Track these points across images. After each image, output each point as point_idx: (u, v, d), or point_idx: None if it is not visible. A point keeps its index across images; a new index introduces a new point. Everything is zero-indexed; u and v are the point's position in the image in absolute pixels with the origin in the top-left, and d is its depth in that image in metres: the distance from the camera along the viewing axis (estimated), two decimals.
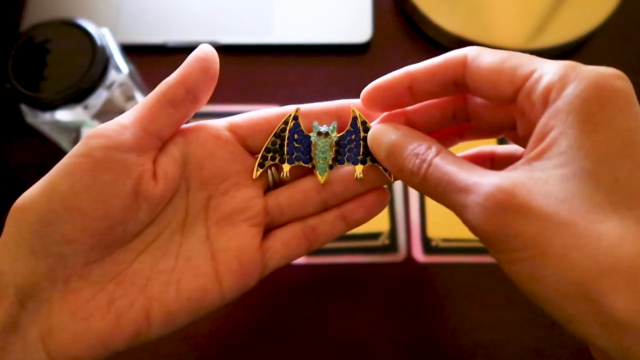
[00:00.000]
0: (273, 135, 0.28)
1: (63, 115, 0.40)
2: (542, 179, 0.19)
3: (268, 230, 0.28)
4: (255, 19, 0.53)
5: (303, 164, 0.28)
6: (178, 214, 0.27)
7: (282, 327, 0.43)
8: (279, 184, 0.28)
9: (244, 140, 0.28)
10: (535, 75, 0.21)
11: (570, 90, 0.19)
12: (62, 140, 0.46)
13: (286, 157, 0.28)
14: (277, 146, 0.28)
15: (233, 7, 0.54)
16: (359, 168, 0.28)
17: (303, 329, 0.43)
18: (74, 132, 0.47)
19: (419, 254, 0.44)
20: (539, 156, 0.20)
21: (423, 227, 0.45)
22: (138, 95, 0.46)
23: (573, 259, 0.18)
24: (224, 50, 0.53)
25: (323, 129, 0.28)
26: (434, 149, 0.23)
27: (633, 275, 0.17)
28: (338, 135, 0.28)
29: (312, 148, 0.28)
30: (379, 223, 0.45)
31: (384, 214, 0.45)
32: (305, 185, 0.28)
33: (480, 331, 0.42)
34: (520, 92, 0.21)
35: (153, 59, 0.52)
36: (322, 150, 0.27)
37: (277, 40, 0.52)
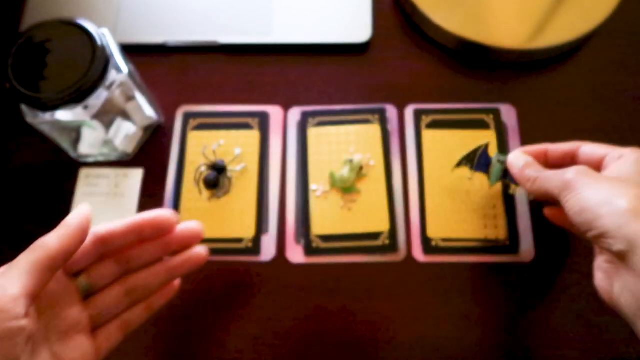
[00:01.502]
0: None
1: (63, 115, 0.40)
2: None
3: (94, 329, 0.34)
4: (255, 19, 0.53)
5: None
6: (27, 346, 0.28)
7: (282, 327, 0.43)
8: (90, 292, 0.34)
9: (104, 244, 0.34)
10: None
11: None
12: (62, 140, 0.46)
13: None
14: None
15: (233, 7, 0.54)
16: (514, 186, 0.44)
17: (303, 329, 0.43)
18: (74, 132, 0.47)
19: (419, 254, 0.44)
20: None
21: (423, 227, 0.45)
22: (138, 95, 0.46)
23: None
24: (224, 50, 0.53)
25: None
26: (536, 171, 0.37)
27: None
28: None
29: None
30: (379, 223, 0.45)
31: (384, 214, 0.45)
32: (115, 290, 0.34)
33: (480, 331, 0.42)
34: None
35: (153, 59, 0.53)
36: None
37: (277, 40, 0.52)
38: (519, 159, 0.39)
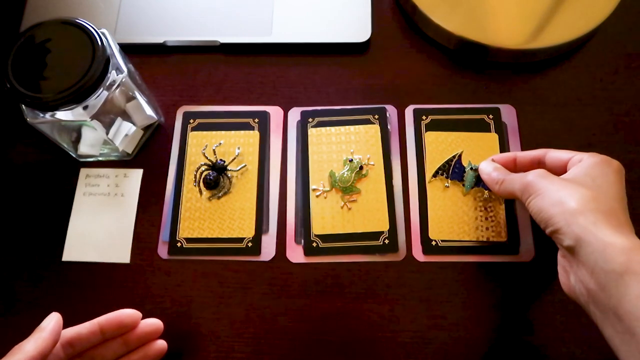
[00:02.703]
0: None
1: (63, 115, 0.40)
2: None
3: None
4: (255, 19, 0.53)
5: None
6: None
7: (282, 327, 0.43)
8: None
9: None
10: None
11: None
12: (62, 140, 0.46)
13: None
14: None
15: (233, 7, 0.54)
16: (487, 192, 0.46)
17: (303, 329, 0.43)
18: (74, 132, 0.47)
19: (418, 254, 0.44)
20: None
21: (423, 227, 0.45)
22: (138, 95, 0.46)
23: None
24: (224, 50, 0.53)
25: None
26: (504, 174, 0.40)
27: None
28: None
29: None
30: (379, 223, 0.45)
31: (384, 214, 0.45)
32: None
33: (480, 331, 0.42)
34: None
35: (153, 59, 0.53)
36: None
37: (277, 40, 0.52)
38: (489, 165, 0.42)
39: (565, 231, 0.32)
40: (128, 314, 0.38)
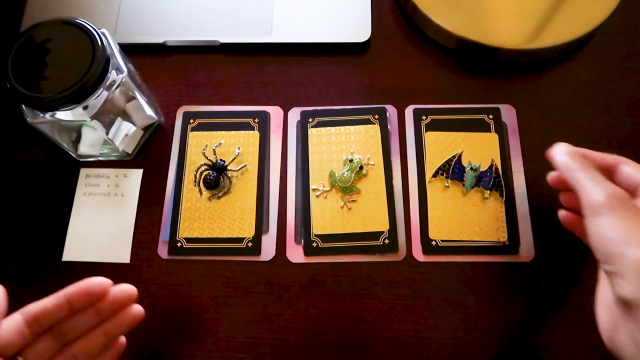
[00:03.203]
0: None
1: (63, 115, 0.40)
2: None
3: None
4: (255, 19, 0.53)
5: None
6: None
7: (282, 327, 0.43)
8: None
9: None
10: None
11: None
12: (62, 140, 0.46)
13: None
14: None
15: (233, 7, 0.54)
16: (487, 192, 0.45)
17: (303, 329, 0.43)
18: (74, 132, 0.47)
19: (418, 254, 0.44)
20: None
21: (423, 226, 0.45)
22: (138, 95, 0.46)
23: None
24: (224, 50, 0.53)
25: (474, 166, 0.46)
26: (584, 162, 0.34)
27: None
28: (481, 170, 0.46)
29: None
30: (379, 223, 0.45)
31: (384, 213, 0.45)
32: None
33: (480, 331, 0.42)
34: None
35: (153, 59, 0.53)
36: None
37: (277, 40, 0.52)
38: (566, 146, 0.36)
39: (633, 282, 0.27)
40: (95, 282, 0.35)
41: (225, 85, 0.52)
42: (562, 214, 0.40)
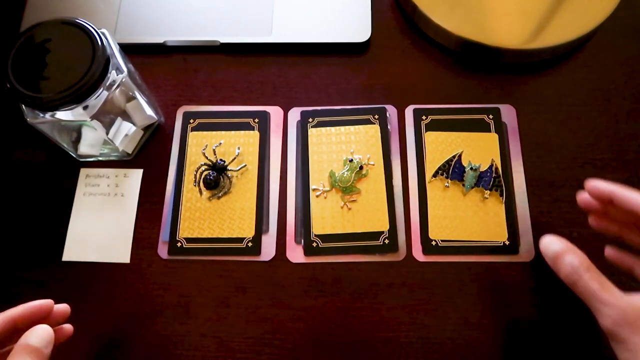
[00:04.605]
0: None
1: (63, 115, 0.40)
2: None
3: None
4: (255, 19, 0.53)
5: None
6: None
7: (282, 327, 0.43)
8: None
9: None
10: None
11: None
12: (62, 140, 0.46)
13: None
14: None
15: (233, 7, 0.54)
16: (487, 192, 0.45)
17: (303, 329, 0.43)
18: (74, 132, 0.47)
19: (418, 254, 0.44)
20: None
21: (423, 226, 0.45)
22: (138, 95, 0.46)
23: None
24: (224, 50, 0.53)
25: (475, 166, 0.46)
26: (585, 265, 0.33)
27: None
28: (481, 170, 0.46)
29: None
30: (379, 223, 0.45)
31: (384, 213, 0.45)
32: None
33: (480, 330, 0.42)
34: None
35: (153, 59, 0.53)
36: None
37: (277, 40, 0.52)
38: (557, 242, 0.34)
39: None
40: (41, 304, 0.34)
41: (225, 85, 0.52)
42: (608, 252, 0.38)
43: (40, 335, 0.30)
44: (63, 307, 0.36)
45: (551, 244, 0.34)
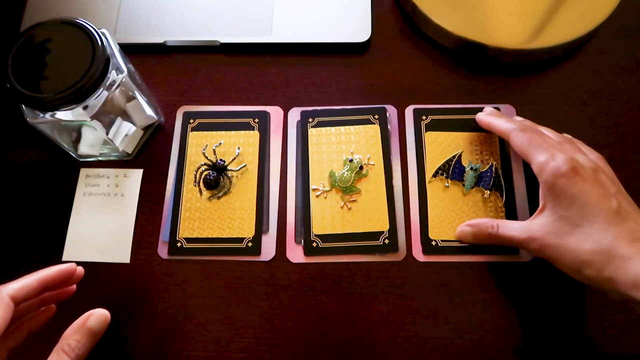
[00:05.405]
0: None
1: (63, 115, 0.40)
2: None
3: None
4: (255, 19, 0.53)
5: None
6: None
7: (282, 327, 0.43)
8: None
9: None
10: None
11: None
12: (62, 140, 0.46)
13: None
14: None
15: (233, 7, 0.54)
16: (487, 192, 0.46)
17: (303, 329, 0.43)
18: (74, 132, 0.47)
19: (418, 254, 0.44)
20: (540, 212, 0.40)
21: (423, 226, 0.45)
22: (138, 95, 0.46)
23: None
24: (224, 50, 0.53)
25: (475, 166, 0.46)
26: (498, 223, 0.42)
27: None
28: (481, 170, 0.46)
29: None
30: (379, 223, 0.45)
31: (384, 213, 0.45)
32: None
33: (480, 331, 0.42)
34: None
35: (153, 59, 0.53)
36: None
37: (277, 40, 0.52)
38: (465, 230, 0.44)
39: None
40: (68, 267, 0.38)
41: (225, 85, 0.52)
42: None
43: (97, 319, 0.37)
44: (80, 270, 0.39)
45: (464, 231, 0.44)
